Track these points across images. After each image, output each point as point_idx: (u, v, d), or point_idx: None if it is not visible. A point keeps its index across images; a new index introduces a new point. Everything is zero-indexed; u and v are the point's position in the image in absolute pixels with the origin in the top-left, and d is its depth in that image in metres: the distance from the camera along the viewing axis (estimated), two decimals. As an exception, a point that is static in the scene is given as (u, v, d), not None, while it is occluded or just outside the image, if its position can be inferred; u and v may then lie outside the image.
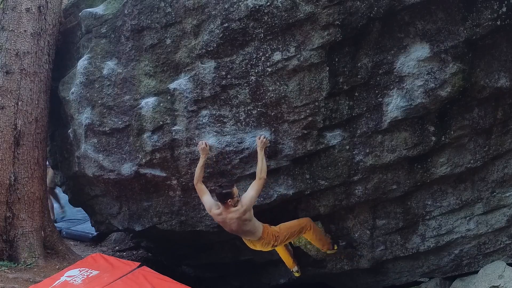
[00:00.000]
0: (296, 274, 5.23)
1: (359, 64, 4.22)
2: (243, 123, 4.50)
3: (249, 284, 6.12)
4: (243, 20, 4.20)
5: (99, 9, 5.17)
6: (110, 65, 4.96)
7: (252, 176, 4.45)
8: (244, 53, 4.31)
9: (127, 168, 5.06)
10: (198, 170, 4.48)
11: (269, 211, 4.81)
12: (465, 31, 4.00)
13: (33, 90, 5.88)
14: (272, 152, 4.52)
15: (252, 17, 4.17)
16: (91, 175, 5.40)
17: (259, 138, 4.38)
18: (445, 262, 5.05)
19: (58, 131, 6.43)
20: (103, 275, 4.40)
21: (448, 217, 4.81)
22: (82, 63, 5.15)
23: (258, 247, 4.60)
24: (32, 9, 5.85)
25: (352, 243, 5.01)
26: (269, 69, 4.27)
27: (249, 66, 4.32)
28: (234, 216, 4.25)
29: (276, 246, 4.64)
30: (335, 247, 4.95)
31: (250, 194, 4.26)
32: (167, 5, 4.54)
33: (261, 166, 4.27)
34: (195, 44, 4.47)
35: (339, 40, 4.12)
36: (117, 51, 4.93)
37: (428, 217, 4.82)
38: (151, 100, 4.76)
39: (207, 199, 4.43)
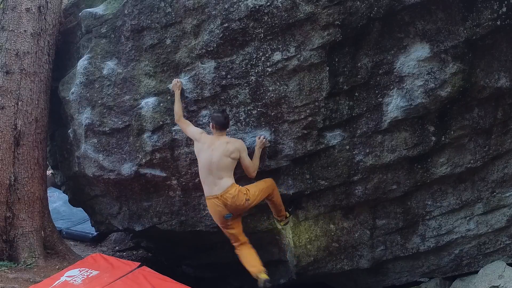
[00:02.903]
0: (264, 277, 4.55)
1: (359, 64, 4.22)
2: (243, 123, 4.50)
3: (249, 284, 6.09)
4: (243, 20, 4.20)
5: (99, 9, 5.17)
6: (110, 65, 4.96)
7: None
8: (244, 53, 4.31)
9: (127, 168, 5.06)
10: (176, 106, 4.50)
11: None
12: (465, 31, 4.00)
13: (33, 90, 5.87)
14: (272, 152, 4.52)
15: (252, 17, 4.17)
16: (91, 175, 5.40)
17: (259, 138, 4.40)
18: (445, 262, 5.05)
19: (58, 131, 6.42)
20: (103, 275, 4.40)
21: (448, 217, 4.81)
22: (82, 63, 5.15)
23: (227, 208, 4.26)
24: (32, 9, 5.84)
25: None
26: (269, 69, 4.27)
27: (249, 66, 4.32)
28: (223, 142, 4.24)
29: (246, 206, 4.32)
30: (287, 215, 4.77)
31: (248, 159, 4.32)
32: (167, 5, 4.54)
33: (255, 163, 4.35)
34: (195, 44, 4.47)
35: (339, 40, 4.12)
36: (117, 51, 4.93)
37: (428, 217, 4.82)
38: (151, 100, 4.77)
39: (194, 129, 4.44)
